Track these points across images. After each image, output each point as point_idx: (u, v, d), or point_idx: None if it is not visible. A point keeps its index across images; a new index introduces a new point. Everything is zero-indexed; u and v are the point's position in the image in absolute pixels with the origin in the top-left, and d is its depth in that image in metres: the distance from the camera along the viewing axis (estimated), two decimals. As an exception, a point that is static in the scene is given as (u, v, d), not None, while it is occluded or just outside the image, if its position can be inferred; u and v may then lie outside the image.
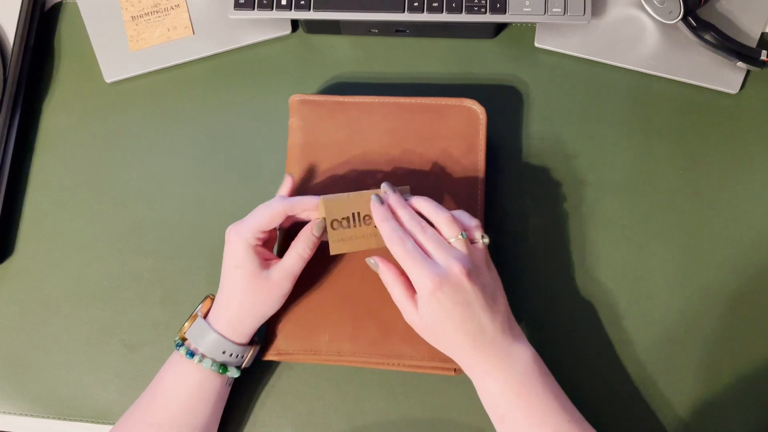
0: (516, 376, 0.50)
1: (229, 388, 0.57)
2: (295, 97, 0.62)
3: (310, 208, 0.53)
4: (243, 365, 0.55)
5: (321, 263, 0.57)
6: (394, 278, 0.51)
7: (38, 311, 0.64)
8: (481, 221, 0.55)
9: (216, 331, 0.53)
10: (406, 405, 0.59)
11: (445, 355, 0.55)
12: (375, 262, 0.53)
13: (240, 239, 0.53)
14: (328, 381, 0.60)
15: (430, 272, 0.48)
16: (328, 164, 0.60)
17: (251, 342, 0.55)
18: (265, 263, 0.54)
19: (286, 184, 0.56)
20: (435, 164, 0.59)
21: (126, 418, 0.55)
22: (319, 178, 0.59)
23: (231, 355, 0.53)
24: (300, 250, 0.54)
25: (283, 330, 0.56)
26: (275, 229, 0.56)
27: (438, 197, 0.57)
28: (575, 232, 0.62)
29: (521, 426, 0.50)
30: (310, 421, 0.60)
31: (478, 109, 0.60)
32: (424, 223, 0.52)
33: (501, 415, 0.51)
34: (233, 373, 0.54)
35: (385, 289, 0.55)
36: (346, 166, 0.59)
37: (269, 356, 0.56)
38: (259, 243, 0.54)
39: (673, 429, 0.58)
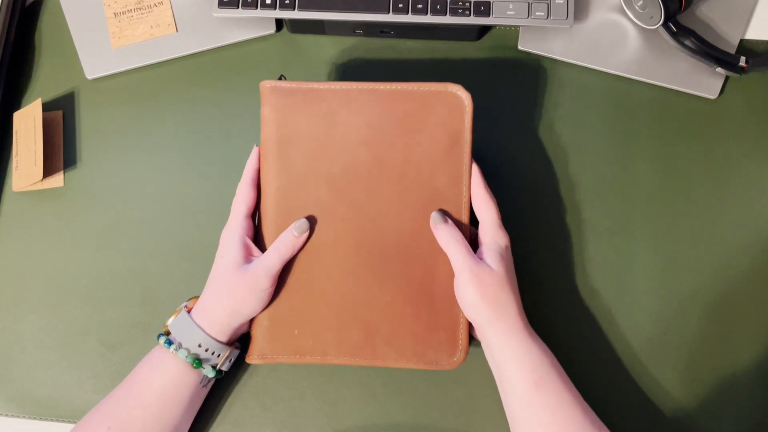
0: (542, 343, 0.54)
1: (205, 392, 0.56)
2: (266, 84, 0.56)
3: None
4: (219, 366, 0.55)
5: (303, 265, 0.56)
6: (460, 235, 0.54)
7: (15, 309, 0.63)
8: (467, 217, 0.55)
9: (195, 323, 0.54)
10: (387, 405, 0.59)
11: (429, 357, 0.55)
12: (443, 217, 0.55)
13: (227, 232, 0.55)
14: (309, 382, 0.60)
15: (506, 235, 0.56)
16: (304, 160, 0.56)
17: (232, 345, 0.55)
18: (248, 257, 0.54)
19: (253, 156, 0.57)
20: (418, 158, 0.56)
21: (99, 407, 0.54)
22: (295, 175, 0.56)
23: (207, 350, 0.53)
24: (280, 248, 0.54)
25: (266, 333, 0.56)
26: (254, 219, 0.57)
27: (421, 193, 0.56)
28: (555, 235, 0.63)
29: (557, 388, 0.52)
30: (291, 422, 0.59)
31: (463, 95, 0.55)
32: None
33: (537, 377, 0.51)
34: (208, 372, 0.54)
35: (369, 292, 0.55)
36: (323, 164, 0.56)
37: (252, 360, 0.56)
38: (249, 232, 0.55)
39: (650, 429, 0.58)
